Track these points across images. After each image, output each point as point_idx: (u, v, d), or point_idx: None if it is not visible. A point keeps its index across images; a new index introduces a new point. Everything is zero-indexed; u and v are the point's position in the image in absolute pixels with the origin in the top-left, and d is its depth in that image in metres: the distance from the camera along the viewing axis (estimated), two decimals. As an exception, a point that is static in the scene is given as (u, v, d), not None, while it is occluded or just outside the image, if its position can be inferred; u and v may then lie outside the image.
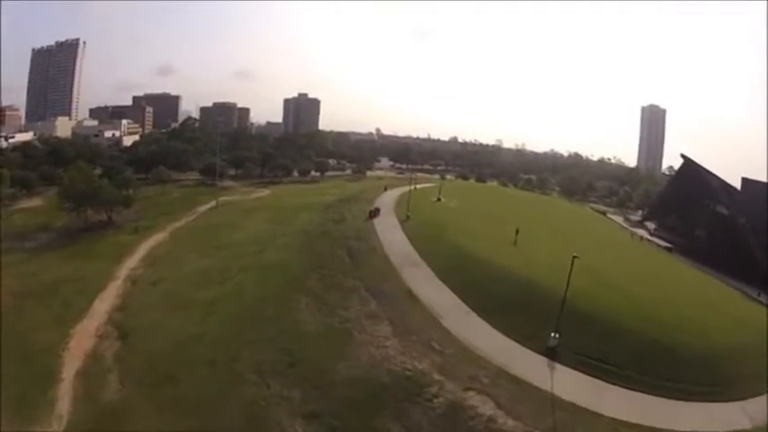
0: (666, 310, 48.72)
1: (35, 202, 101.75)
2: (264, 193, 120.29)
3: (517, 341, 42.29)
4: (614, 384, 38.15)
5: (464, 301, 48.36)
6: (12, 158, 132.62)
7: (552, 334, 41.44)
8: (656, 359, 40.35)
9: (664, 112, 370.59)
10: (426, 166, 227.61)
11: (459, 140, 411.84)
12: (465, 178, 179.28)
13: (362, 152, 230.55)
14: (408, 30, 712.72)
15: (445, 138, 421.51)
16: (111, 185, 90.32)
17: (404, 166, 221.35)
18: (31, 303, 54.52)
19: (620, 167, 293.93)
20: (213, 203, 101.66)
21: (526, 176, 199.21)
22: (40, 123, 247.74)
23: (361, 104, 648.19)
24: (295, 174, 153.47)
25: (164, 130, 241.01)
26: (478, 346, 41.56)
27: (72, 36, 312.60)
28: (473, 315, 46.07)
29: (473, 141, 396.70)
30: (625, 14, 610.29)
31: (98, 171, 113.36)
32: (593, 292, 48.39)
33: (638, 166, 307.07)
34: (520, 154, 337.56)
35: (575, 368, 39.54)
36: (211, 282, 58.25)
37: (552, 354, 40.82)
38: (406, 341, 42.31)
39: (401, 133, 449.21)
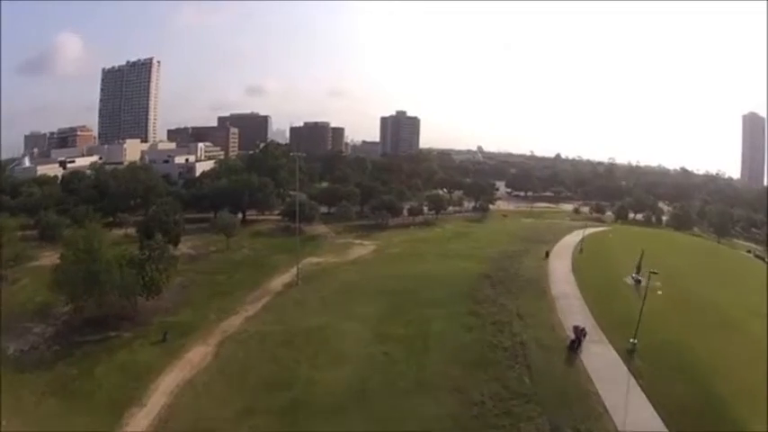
0: None
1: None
2: (366, 249, 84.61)
3: None
4: None
5: None
6: (51, 193, 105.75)
7: None
8: None
9: (763, 120, 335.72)
10: (547, 194, 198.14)
11: (563, 157, 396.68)
12: (600, 211, 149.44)
13: (475, 177, 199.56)
14: (501, 43, 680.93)
15: (548, 154, 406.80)
16: (129, 263, 55.28)
17: (522, 194, 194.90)
18: None
19: (729, 184, 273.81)
20: (293, 273, 66.37)
21: (667, 208, 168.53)
22: (106, 147, 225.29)
23: (458, 121, 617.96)
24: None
25: (251, 152, 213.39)
26: None
27: (157, 55, 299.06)
28: None
29: (577, 158, 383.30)
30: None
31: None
32: None
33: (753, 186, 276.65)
34: (633, 172, 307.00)
35: None
36: None
37: None
38: None
39: (502, 150, 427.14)
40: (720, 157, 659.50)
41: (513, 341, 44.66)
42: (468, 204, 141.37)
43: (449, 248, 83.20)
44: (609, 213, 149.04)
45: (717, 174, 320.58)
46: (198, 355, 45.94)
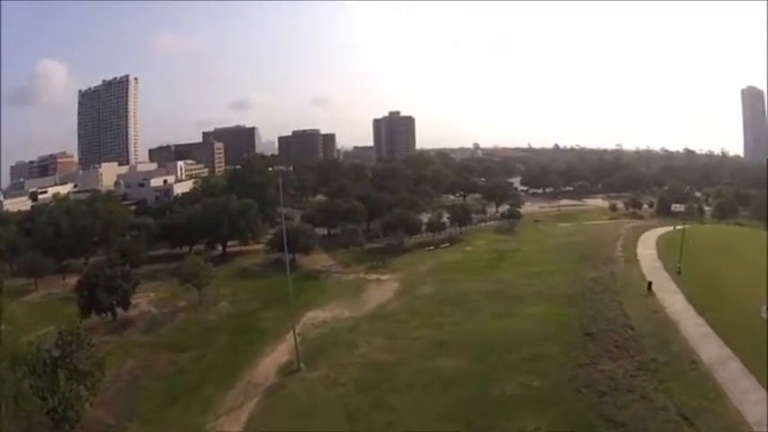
0: None
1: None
2: (387, 289, 62.72)
3: None
4: None
5: None
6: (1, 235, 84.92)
7: None
8: None
9: (763, 93, 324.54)
10: (567, 189, 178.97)
11: (561, 147, 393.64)
12: (636, 206, 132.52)
13: (483, 176, 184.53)
14: (490, 33, 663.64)
15: (546, 145, 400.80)
16: (38, 370, 32.87)
17: (540, 191, 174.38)
18: None
19: (739, 163, 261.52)
20: (290, 342, 44.67)
21: (707, 197, 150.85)
22: (81, 173, 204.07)
23: (450, 118, 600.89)
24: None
25: (238, 166, 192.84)
26: None
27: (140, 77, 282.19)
28: None
29: (576, 147, 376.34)
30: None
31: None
32: None
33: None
34: (642, 157, 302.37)
35: None
36: None
37: None
38: None
39: (498, 145, 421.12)
40: (720, 135, 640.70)
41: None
42: (490, 210, 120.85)
43: (499, 281, 61.80)
44: (645, 207, 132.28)
45: (722, 153, 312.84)
46: None
